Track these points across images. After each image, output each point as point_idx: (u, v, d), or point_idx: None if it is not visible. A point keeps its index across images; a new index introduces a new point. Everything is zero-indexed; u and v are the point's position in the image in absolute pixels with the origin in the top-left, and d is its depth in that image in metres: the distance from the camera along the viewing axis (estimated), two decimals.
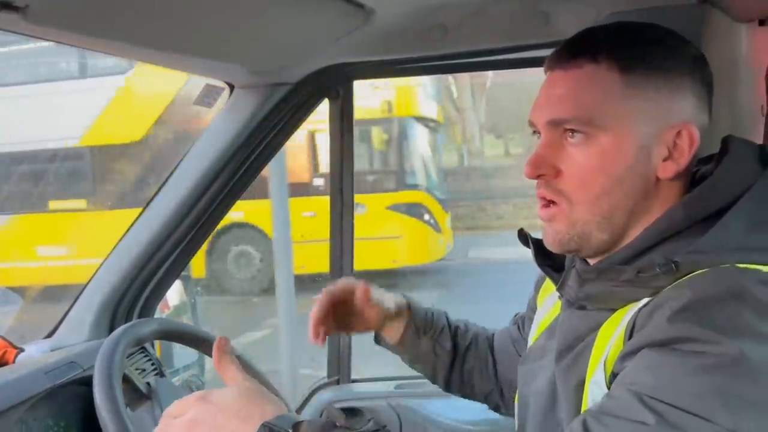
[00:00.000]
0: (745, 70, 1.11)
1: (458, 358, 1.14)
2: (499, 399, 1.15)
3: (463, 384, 1.15)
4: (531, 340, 0.97)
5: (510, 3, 1.19)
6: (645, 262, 0.74)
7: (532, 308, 1.05)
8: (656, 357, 0.66)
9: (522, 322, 1.12)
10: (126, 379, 1.00)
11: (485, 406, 1.18)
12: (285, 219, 4.58)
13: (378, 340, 1.16)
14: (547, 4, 1.19)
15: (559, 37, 1.22)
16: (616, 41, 0.79)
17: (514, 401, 1.09)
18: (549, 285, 0.97)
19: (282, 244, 4.57)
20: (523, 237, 0.92)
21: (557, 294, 0.88)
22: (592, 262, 0.83)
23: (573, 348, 0.80)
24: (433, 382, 1.17)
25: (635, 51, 0.77)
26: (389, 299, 1.09)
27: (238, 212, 7.96)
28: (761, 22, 1.10)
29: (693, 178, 0.83)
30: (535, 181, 0.81)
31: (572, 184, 0.78)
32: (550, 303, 0.96)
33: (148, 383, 1.09)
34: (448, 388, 1.16)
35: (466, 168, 16.55)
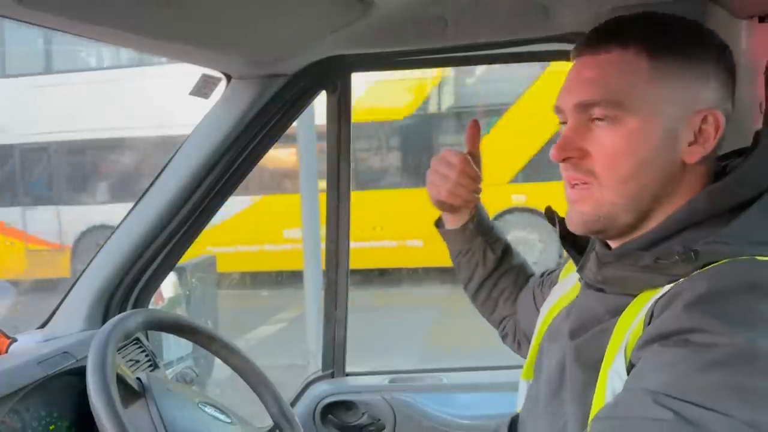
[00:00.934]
0: (744, 66, 1.11)
1: (498, 271, 1.20)
2: (510, 329, 1.21)
3: (489, 299, 1.22)
4: (545, 316, 0.98)
5: None
6: (664, 249, 0.74)
7: (556, 274, 1.07)
8: (668, 352, 0.66)
9: (547, 281, 1.13)
10: (118, 378, 0.99)
11: (478, 399, 1.19)
12: (314, 209, 4.80)
13: (439, 223, 1.23)
14: None
15: (559, 31, 1.22)
16: (645, 28, 0.81)
17: (514, 342, 1.20)
18: (572, 264, 0.97)
19: (311, 235, 4.88)
20: (550, 215, 0.94)
21: (577, 276, 0.89)
22: (614, 245, 0.84)
23: (588, 328, 0.80)
24: (466, 284, 1.24)
25: (663, 38, 0.79)
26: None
27: (520, 196, 7.62)
28: (761, 19, 1.10)
29: (723, 171, 0.83)
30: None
31: (601, 164, 0.79)
32: (569, 283, 0.96)
33: (139, 379, 1.09)
34: (475, 295, 1.23)
35: None
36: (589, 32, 0.83)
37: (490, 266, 1.20)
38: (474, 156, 1.15)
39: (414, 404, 1.66)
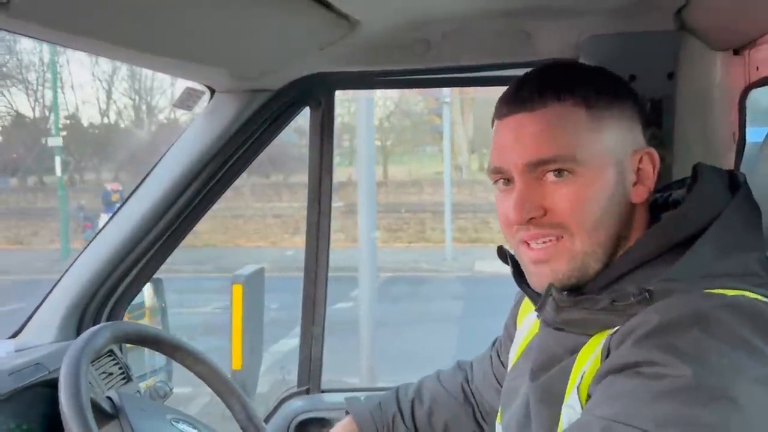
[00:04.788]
0: (718, 97, 1.14)
1: (422, 425, 1.15)
2: None
3: None
4: (512, 361, 0.98)
5: (493, 21, 1.20)
6: (619, 291, 0.75)
7: (510, 331, 1.06)
8: (620, 383, 0.67)
9: (500, 348, 1.12)
10: (90, 401, 0.97)
11: None
12: (372, 212, 5.45)
13: None
14: (530, 25, 1.21)
15: (540, 56, 1.25)
16: (574, 79, 0.81)
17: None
18: (527, 305, 0.98)
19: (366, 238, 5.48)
20: (503, 254, 0.93)
21: (535, 314, 0.88)
22: None
23: (548, 368, 0.81)
24: None
25: (593, 86, 0.80)
26: None
27: None
28: (735, 51, 1.13)
29: (666, 201, 0.86)
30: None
31: (569, 216, 0.78)
32: (529, 323, 0.97)
33: (110, 398, 1.07)
34: None
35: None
36: (512, 91, 0.82)
37: None
38: None
39: None
